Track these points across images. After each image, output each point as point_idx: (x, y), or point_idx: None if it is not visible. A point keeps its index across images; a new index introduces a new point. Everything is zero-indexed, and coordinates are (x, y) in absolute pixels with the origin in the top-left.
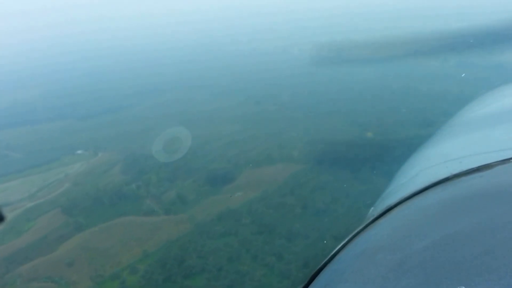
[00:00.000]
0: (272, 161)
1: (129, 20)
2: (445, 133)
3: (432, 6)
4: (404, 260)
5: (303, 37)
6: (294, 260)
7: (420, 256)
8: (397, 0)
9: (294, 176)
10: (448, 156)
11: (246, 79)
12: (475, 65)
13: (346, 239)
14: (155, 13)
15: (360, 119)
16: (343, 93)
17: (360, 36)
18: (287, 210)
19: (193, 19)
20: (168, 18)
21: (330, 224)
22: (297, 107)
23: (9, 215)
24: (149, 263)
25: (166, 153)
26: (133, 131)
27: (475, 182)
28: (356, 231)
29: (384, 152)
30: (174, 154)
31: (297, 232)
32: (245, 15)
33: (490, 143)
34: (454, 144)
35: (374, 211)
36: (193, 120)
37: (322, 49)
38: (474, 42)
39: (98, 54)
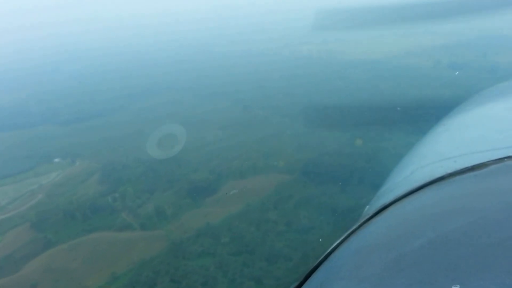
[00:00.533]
0: (257, 171)
1: (120, 20)
2: (440, 132)
3: None
4: (399, 259)
5: (295, 37)
6: (274, 287)
7: (415, 255)
8: None
9: (279, 188)
10: (443, 155)
11: (236, 81)
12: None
13: (341, 238)
14: (147, 13)
15: (352, 124)
16: (334, 95)
17: (353, 36)
18: (270, 227)
19: (187, 19)
20: (159, 18)
21: (315, 244)
22: (285, 112)
23: None
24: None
25: (148, 161)
26: (115, 137)
27: (469, 181)
28: (351, 229)
29: (372, 164)
30: (156, 163)
31: (279, 253)
32: (240, 14)
33: (485, 142)
34: (449, 143)
35: (369, 210)
36: (178, 126)
37: (313, 51)
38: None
39: (86, 55)
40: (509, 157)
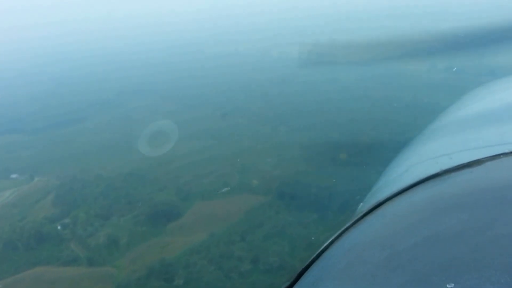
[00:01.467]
0: (230, 190)
1: (110, 21)
2: (436, 128)
3: (424, 4)
4: (393, 257)
5: (285, 38)
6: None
7: (410, 252)
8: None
9: (250, 214)
10: (438, 152)
11: (219, 86)
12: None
13: (335, 235)
14: (139, 13)
15: (336, 136)
16: (321, 104)
17: (345, 37)
18: (233, 266)
19: (175, 20)
20: (152, 19)
21: None
22: (268, 121)
23: None
24: None
25: (110, 178)
26: (82, 149)
27: (465, 177)
28: (344, 227)
29: (356, 186)
30: (119, 180)
31: None
32: (231, 14)
33: (481, 138)
34: (445, 140)
35: (363, 207)
36: (151, 137)
37: (303, 52)
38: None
39: (73, 56)
40: (504, 154)
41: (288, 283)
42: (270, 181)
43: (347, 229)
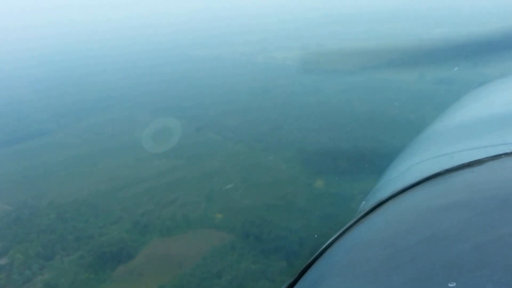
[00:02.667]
0: (190, 224)
1: (86, 25)
2: (437, 128)
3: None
4: (395, 255)
5: (273, 41)
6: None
7: (411, 251)
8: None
9: (209, 258)
10: (440, 151)
11: (198, 95)
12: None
13: (337, 234)
14: (123, 16)
15: (315, 158)
16: (302, 119)
17: (334, 42)
18: None
19: (165, 21)
20: (143, 20)
21: None
22: (244, 137)
23: None
24: None
25: (62, 206)
26: (41, 170)
27: (466, 177)
28: (346, 225)
29: (331, 224)
30: (72, 209)
31: None
32: (223, 16)
33: (482, 138)
34: (446, 139)
35: (365, 206)
36: (115, 154)
37: (288, 58)
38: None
39: (43, 60)
40: (506, 154)
41: (290, 281)
42: (236, 214)
43: (349, 227)
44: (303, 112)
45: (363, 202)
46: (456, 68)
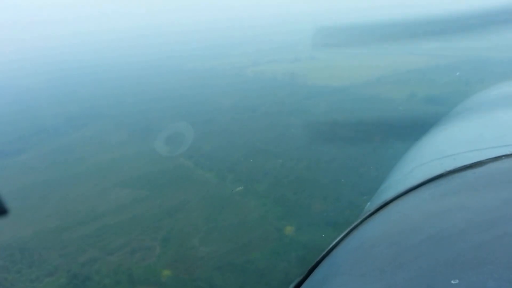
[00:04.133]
0: (132, 284)
1: (87, 33)
2: (440, 130)
3: None
4: (400, 254)
5: (267, 53)
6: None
7: (415, 250)
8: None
9: None
10: (443, 153)
11: (180, 112)
12: None
13: (343, 233)
14: (119, 26)
15: (290, 194)
16: (286, 146)
17: (328, 57)
18: None
19: (160, 31)
20: (139, 31)
21: None
22: (217, 165)
23: None
24: None
25: (2, 248)
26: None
27: (468, 178)
28: (352, 225)
29: None
30: (6, 255)
31: None
32: (221, 26)
33: (483, 140)
34: (448, 141)
35: (370, 206)
36: (76, 181)
37: (278, 72)
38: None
39: (20, 74)
40: (506, 155)
41: (300, 279)
42: (189, 270)
43: (355, 227)
44: (284, 136)
45: (368, 203)
46: (458, 73)
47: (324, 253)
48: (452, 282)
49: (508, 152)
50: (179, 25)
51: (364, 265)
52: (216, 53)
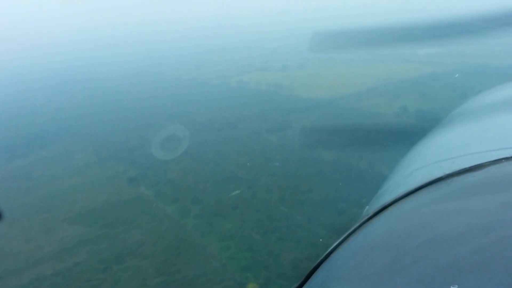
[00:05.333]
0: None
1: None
2: (439, 133)
3: None
4: (398, 258)
5: (255, 61)
6: None
7: (414, 254)
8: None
9: None
10: (442, 156)
11: (150, 129)
12: None
13: (341, 238)
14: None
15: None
16: (256, 171)
17: (318, 65)
18: None
19: (142, 39)
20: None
21: None
22: (181, 196)
23: None
24: None
25: None
26: None
27: (467, 182)
28: (351, 229)
29: None
30: None
31: None
32: (210, 32)
33: (483, 143)
34: (448, 144)
35: (369, 210)
36: (23, 216)
37: (263, 83)
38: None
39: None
40: (506, 159)
41: (297, 284)
42: None
43: (353, 231)
44: (260, 159)
45: (367, 206)
46: (457, 75)
47: (322, 257)
48: (452, 287)
49: (508, 155)
50: (168, 31)
51: (363, 269)
52: (202, 60)
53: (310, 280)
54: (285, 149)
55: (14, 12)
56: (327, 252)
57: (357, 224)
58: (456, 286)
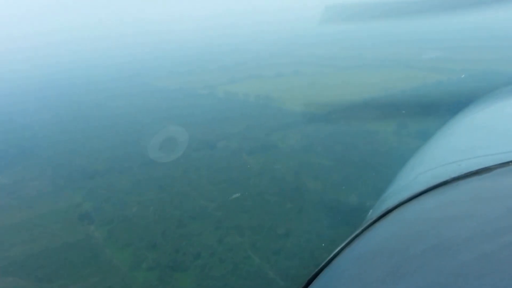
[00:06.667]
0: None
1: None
2: (444, 136)
3: None
4: (402, 264)
5: (247, 68)
6: None
7: (418, 259)
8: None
9: None
10: (447, 159)
11: (119, 153)
12: None
13: (345, 242)
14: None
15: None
16: (228, 206)
17: (315, 70)
18: None
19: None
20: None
21: None
22: (136, 239)
23: None
24: None
25: None
26: None
27: (474, 185)
28: (354, 233)
29: None
30: None
31: None
32: (204, 34)
33: (489, 145)
34: (453, 147)
35: (373, 214)
36: None
37: (251, 94)
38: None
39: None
40: None
41: (300, 287)
42: None
43: (357, 236)
44: (235, 192)
45: (371, 210)
46: (463, 75)
47: (325, 262)
48: None
49: None
50: (157, 32)
51: (366, 275)
52: (190, 69)
53: (312, 284)
54: (263, 179)
55: None
56: (330, 256)
57: (361, 229)
58: None
